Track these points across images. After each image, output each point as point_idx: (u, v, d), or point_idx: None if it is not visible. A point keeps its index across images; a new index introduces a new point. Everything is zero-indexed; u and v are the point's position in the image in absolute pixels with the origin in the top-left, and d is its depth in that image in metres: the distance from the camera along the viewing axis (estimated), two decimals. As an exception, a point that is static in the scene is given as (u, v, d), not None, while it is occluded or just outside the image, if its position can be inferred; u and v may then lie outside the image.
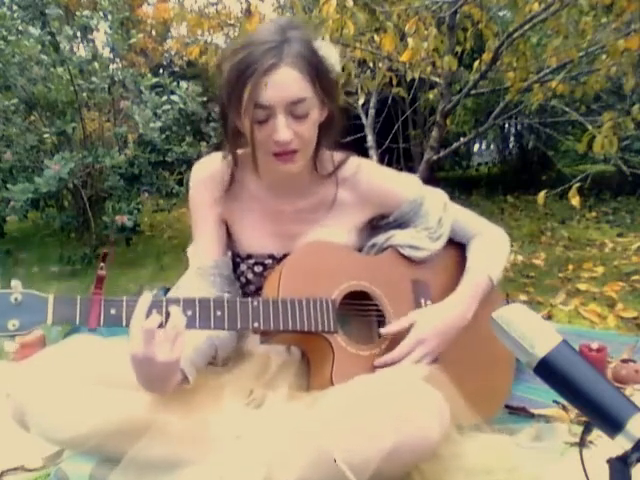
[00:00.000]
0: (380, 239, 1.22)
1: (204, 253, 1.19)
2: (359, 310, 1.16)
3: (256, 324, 1.02)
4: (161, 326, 0.91)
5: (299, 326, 1.04)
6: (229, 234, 1.22)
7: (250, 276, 1.20)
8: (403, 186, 1.22)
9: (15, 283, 0.90)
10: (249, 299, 1.04)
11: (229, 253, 1.23)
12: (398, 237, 1.21)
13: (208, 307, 0.99)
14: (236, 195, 1.19)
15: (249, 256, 1.19)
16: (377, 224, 1.24)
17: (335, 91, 1.09)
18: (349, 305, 1.14)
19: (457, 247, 1.28)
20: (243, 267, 1.20)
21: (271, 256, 1.17)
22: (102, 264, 0.94)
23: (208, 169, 1.19)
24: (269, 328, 1.03)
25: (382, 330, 1.12)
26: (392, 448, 0.86)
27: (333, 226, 1.18)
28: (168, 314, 0.93)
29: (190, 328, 0.96)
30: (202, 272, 1.17)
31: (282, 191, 1.17)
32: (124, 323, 0.93)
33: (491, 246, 1.26)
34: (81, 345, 1.11)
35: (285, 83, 0.99)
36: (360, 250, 1.22)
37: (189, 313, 0.97)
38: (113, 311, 0.93)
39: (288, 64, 0.99)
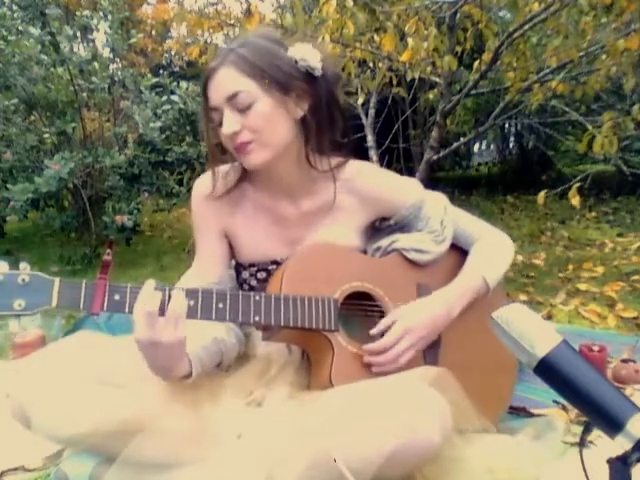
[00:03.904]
0: (384, 242, 1.22)
1: (207, 270, 1.19)
2: (362, 311, 1.16)
3: (257, 318, 1.02)
4: (164, 309, 0.91)
5: (300, 322, 1.04)
6: (231, 245, 1.22)
7: (253, 283, 1.20)
8: (403, 190, 1.22)
9: (23, 265, 0.91)
10: (252, 293, 1.04)
11: (232, 262, 1.24)
12: (402, 241, 1.21)
13: (210, 298, 0.99)
14: (239, 206, 1.20)
15: (252, 264, 1.20)
16: (380, 227, 1.24)
17: (306, 89, 1.09)
18: (352, 306, 1.14)
19: (461, 253, 1.28)
20: (245, 274, 1.21)
21: (274, 262, 1.18)
22: (109, 250, 0.94)
23: (209, 184, 1.19)
24: (270, 323, 1.03)
25: (372, 331, 1.11)
26: (393, 451, 0.85)
27: (335, 228, 1.18)
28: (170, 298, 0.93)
29: (191, 318, 0.97)
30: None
31: (282, 193, 1.18)
32: (127, 310, 0.93)
33: (490, 249, 1.26)
34: (82, 342, 1.11)
35: (222, 81, 1.07)
36: (364, 253, 1.22)
37: (191, 303, 0.97)
38: (117, 297, 0.94)
39: (226, 65, 1.07)
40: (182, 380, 1.00)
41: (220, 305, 0.99)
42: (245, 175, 1.20)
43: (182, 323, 0.92)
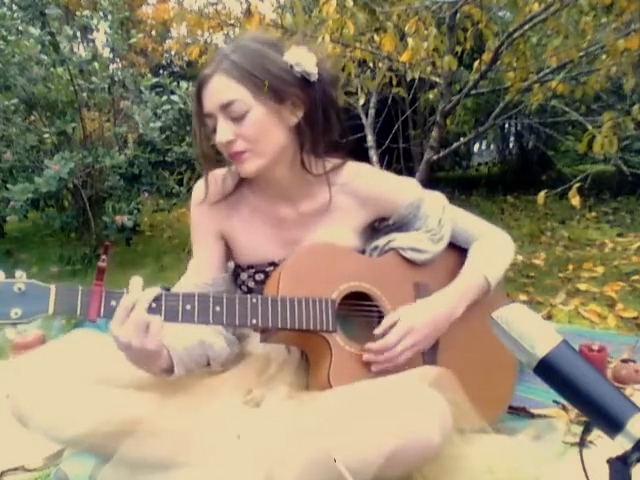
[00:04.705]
0: (381, 242, 1.22)
1: (202, 271, 1.20)
2: (360, 311, 1.15)
3: (254, 321, 1.02)
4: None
5: (297, 324, 1.04)
6: (229, 247, 1.22)
7: (251, 284, 1.20)
8: (401, 190, 1.22)
9: (19, 273, 0.92)
10: (248, 295, 1.04)
11: (231, 264, 1.24)
12: (400, 240, 1.21)
13: (207, 302, 0.99)
14: (236, 209, 1.20)
15: (250, 266, 1.20)
16: (378, 227, 1.24)
17: (301, 96, 1.09)
18: (350, 306, 1.14)
19: (460, 251, 1.28)
20: (244, 276, 1.21)
21: (272, 263, 1.18)
22: (103, 256, 0.95)
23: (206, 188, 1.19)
24: (267, 325, 1.03)
25: (376, 331, 1.11)
26: (393, 451, 0.85)
27: (333, 228, 1.18)
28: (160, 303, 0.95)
29: (188, 322, 0.97)
30: (199, 290, 1.17)
31: (279, 196, 1.18)
32: None
33: (491, 248, 1.26)
34: (81, 341, 1.11)
35: (216, 89, 1.07)
36: (362, 253, 1.22)
37: (188, 307, 0.97)
38: (113, 303, 0.94)
39: (220, 72, 1.06)
40: (161, 375, 1.01)
41: (217, 308, 0.99)
42: (243, 179, 1.19)
43: (155, 331, 0.93)
